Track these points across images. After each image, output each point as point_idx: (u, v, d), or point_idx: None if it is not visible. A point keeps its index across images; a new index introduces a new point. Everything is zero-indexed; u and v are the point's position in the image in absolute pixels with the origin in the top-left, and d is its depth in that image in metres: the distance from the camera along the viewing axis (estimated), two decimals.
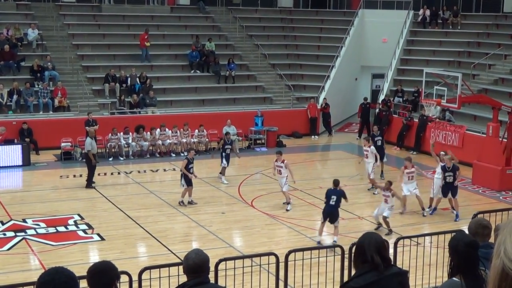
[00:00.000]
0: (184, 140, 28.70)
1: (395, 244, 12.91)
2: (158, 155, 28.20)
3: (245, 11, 39.92)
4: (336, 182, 17.86)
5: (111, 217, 19.78)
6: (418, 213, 20.41)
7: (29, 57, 31.95)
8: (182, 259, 5.68)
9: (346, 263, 12.26)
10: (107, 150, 27.67)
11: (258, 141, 30.70)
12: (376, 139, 24.70)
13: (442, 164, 20.24)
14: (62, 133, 27.43)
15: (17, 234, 18.04)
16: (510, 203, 21.62)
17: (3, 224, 18.84)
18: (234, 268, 11.63)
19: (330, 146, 32.47)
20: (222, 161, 24.11)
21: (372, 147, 23.02)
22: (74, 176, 24.39)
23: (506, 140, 23.56)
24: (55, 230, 18.50)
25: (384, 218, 18.44)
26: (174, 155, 28.36)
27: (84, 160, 23.95)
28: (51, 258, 16.08)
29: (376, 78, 38.33)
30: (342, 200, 17.65)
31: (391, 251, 12.42)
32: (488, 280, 2.13)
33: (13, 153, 26.03)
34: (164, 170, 26.11)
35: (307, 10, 41.31)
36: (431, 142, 23.46)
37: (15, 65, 31.15)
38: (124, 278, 9.80)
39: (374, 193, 22.62)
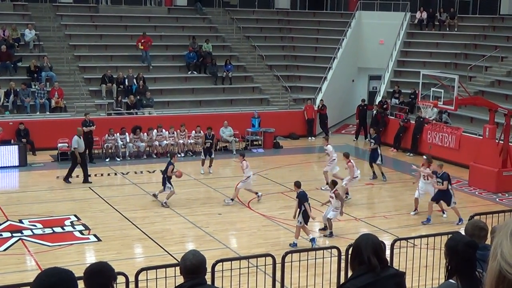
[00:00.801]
0: (181, 141, 28.69)
1: (392, 245, 12.92)
2: (155, 156, 28.19)
3: (242, 12, 39.94)
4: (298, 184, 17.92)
5: (107, 218, 19.76)
6: (416, 214, 20.41)
7: (26, 57, 31.93)
8: (179, 260, 5.67)
9: (342, 265, 12.27)
10: (104, 151, 27.65)
11: (255, 143, 30.71)
12: (370, 140, 25.73)
13: (433, 170, 20.17)
14: (58, 133, 27.40)
15: (14, 234, 18.01)
16: (507, 205, 21.64)
17: None
18: (231, 269, 11.62)
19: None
20: (201, 154, 26.12)
21: (329, 146, 23.66)
22: (71, 176, 24.33)
23: (502, 142, 23.59)
24: (52, 231, 18.48)
25: (328, 219, 18.38)
26: None
27: (70, 157, 24.33)
28: (47, 259, 16.06)
29: (373, 80, 38.38)
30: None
31: (387, 252, 12.42)
32: (485, 282, 2.13)
33: (10, 153, 26.00)
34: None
35: (304, 12, 41.34)
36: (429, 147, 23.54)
37: (12, 65, 31.12)
38: (120, 279, 9.79)
39: (321, 188, 22.90)
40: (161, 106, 31.77)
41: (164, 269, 10.94)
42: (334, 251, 12.90)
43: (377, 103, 32.81)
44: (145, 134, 28.15)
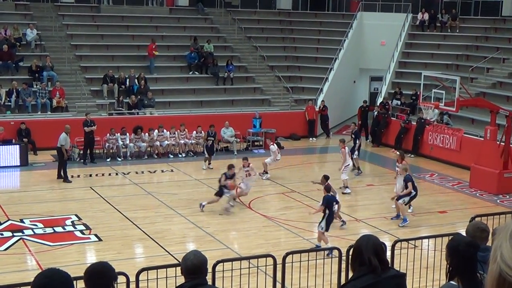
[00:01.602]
0: (182, 141, 28.70)
1: (393, 246, 12.92)
2: (156, 156, 28.20)
3: (244, 13, 39.94)
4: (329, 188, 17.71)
5: (108, 218, 19.77)
6: (415, 215, 20.41)
7: (27, 57, 31.94)
8: (180, 260, 5.68)
9: (343, 266, 12.27)
10: (105, 151, 27.66)
11: (256, 143, 30.71)
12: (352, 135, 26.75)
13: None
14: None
15: (15, 234, 18.02)
16: (508, 206, 21.64)
17: (0, 224, 18.82)
18: (232, 270, 11.62)
19: (328, 148, 32.42)
20: (204, 151, 27.02)
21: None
22: (72, 176, 24.36)
23: (503, 144, 23.58)
24: (53, 231, 18.49)
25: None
26: (171, 156, 28.36)
27: (57, 154, 24.54)
28: (48, 258, 16.07)
29: (374, 81, 38.37)
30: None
31: (388, 253, 12.43)
32: (486, 285, 2.13)
33: (11, 153, 26.02)
34: (162, 171, 26.11)
35: (306, 13, 41.34)
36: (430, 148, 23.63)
37: (14, 65, 31.14)
38: (121, 279, 9.79)
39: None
40: (162, 106, 31.78)
41: (165, 269, 10.93)
42: (335, 252, 12.90)
43: (378, 104, 32.81)
44: (146, 134, 28.16)
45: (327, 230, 17.03)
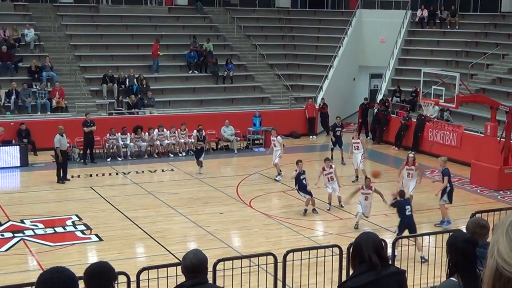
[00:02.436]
0: (182, 141, 28.69)
1: (393, 244, 12.93)
2: (156, 156, 28.20)
3: (243, 12, 39.92)
4: (402, 193, 17.43)
5: (109, 218, 19.77)
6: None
7: (27, 57, 31.94)
8: (180, 259, 5.67)
9: (344, 263, 12.26)
10: (105, 151, 27.67)
11: (256, 141, 30.70)
12: (336, 129, 27.74)
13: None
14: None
15: (15, 235, 18.03)
16: (508, 202, 21.63)
17: (1, 225, 18.83)
18: (232, 268, 11.62)
19: (328, 146, 32.39)
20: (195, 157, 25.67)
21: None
22: (72, 176, 24.37)
23: (504, 140, 23.57)
24: (53, 231, 18.50)
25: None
26: (172, 155, 28.36)
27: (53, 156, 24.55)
28: (49, 259, 16.06)
29: (374, 78, 38.34)
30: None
31: (389, 250, 12.43)
32: (483, 280, 2.14)
33: (11, 154, 26.01)
34: (162, 170, 26.11)
35: (305, 10, 41.32)
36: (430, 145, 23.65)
37: (13, 66, 31.13)
38: (122, 278, 9.79)
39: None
40: (162, 106, 31.77)
41: (166, 268, 10.94)
42: (336, 250, 12.90)
43: (378, 101, 32.80)
44: (146, 133, 28.16)
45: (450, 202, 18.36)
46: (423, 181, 21.49)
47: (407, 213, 16.57)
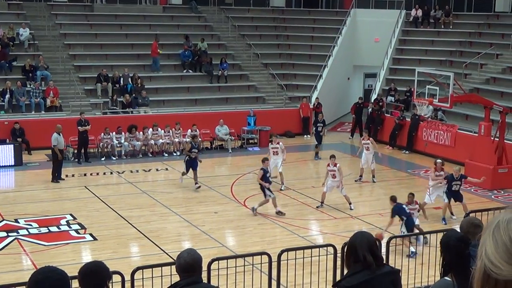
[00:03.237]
0: (177, 140, 28.68)
1: (388, 243, 12.95)
2: (150, 155, 28.18)
3: (237, 11, 39.92)
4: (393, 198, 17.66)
5: (103, 217, 19.75)
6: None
7: (21, 56, 31.88)
8: (175, 259, 5.68)
9: (338, 262, 12.28)
10: (100, 150, 27.63)
11: (250, 141, 30.71)
12: (318, 125, 28.41)
13: (449, 174, 20.05)
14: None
15: (9, 234, 18.00)
16: (502, 202, 21.68)
17: None
18: (227, 268, 11.63)
19: (322, 145, 32.46)
20: (184, 166, 23.36)
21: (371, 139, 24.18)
22: (67, 176, 24.33)
23: (498, 139, 23.63)
24: (48, 230, 18.47)
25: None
26: (166, 154, 28.35)
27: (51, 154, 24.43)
28: (43, 258, 16.05)
29: (368, 78, 38.40)
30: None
31: (383, 250, 12.45)
32: (473, 282, 2.15)
33: (5, 153, 25.97)
34: (157, 169, 26.10)
35: (299, 10, 41.35)
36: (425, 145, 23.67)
37: (7, 64, 31.07)
38: (116, 278, 9.79)
39: (374, 181, 24.01)
40: (157, 105, 31.75)
41: (160, 268, 10.95)
42: (330, 249, 12.92)
43: (372, 101, 32.84)
44: (141, 133, 28.14)
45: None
46: (416, 181, 21.55)
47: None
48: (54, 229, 18.62)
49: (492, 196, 22.70)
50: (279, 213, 20.05)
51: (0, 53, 30.97)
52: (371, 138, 24.39)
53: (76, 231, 18.47)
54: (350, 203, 20.68)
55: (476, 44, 35.10)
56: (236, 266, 11.72)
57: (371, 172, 23.99)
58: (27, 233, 18.23)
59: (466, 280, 4.72)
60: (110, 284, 4.95)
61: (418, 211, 18.12)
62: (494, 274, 2.04)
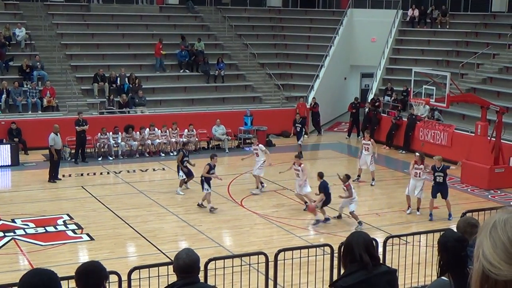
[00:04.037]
0: (174, 140, 28.67)
1: (384, 242, 12.96)
2: (147, 155, 28.17)
3: (234, 11, 39.93)
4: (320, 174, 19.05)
5: (100, 217, 19.74)
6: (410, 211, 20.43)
7: (17, 56, 31.86)
8: (172, 258, 5.68)
9: (335, 262, 12.30)
10: (96, 150, 27.62)
11: (247, 141, 30.68)
12: (296, 125, 28.26)
13: (432, 165, 20.21)
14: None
15: (6, 234, 17.97)
16: (499, 201, 21.72)
17: None
18: (224, 268, 11.63)
19: (319, 145, 32.51)
20: (178, 173, 22.82)
21: (372, 140, 24.03)
22: (64, 176, 24.32)
23: (494, 139, 23.65)
24: (44, 230, 18.45)
25: (351, 212, 18.94)
26: (163, 154, 28.34)
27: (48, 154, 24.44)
28: (40, 258, 16.04)
29: (365, 78, 38.43)
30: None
31: (380, 250, 12.46)
32: (471, 283, 2.15)
33: (2, 153, 25.95)
34: (154, 169, 26.09)
35: (296, 10, 41.35)
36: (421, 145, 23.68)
37: (4, 64, 31.05)
38: (113, 278, 9.79)
39: (371, 184, 23.76)
40: (154, 105, 31.75)
41: (157, 268, 10.95)
42: (327, 249, 12.93)
43: (369, 101, 32.85)
44: (138, 133, 28.13)
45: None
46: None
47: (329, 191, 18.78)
48: (51, 229, 18.60)
49: (489, 196, 22.72)
50: (212, 208, 20.34)
51: None
52: (372, 139, 24.20)
53: (73, 231, 18.45)
54: (305, 202, 20.67)
55: (472, 44, 35.15)
56: (233, 266, 11.71)
57: (371, 174, 23.85)
58: (24, 233, 18.21)
59: (463, 280, 4.73)
60: (107, 284, 4.94)
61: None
62: (493, 274, 2.04)
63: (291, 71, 37.09)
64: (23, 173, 25.28)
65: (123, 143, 27.69)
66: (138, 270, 10.96)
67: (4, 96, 28.98)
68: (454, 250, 4.87)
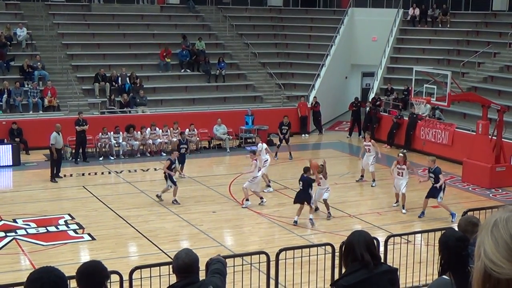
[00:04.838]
0: (175, 139, 28.65)
1: (386, 241, 12.96)
2: (148, 155, 28.17)
3: (235, 10, 39.93)
4: (305, 169, 19.01)
5: (101, 217, 19.74)
6: (409, 211, 20.43)
7: (18, 56, 31.86)
8: (173, 258, 5.67)
9: (336, 261, 12.29)
10: (98, 150, 27.63)
11: (248, 140, 30.70)
12: (282, 127, 28.15)
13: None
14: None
15: (8, 234, 17.98)
16: (500, 200, 21.71)
17: None
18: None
19: (320, 144, 32.50)
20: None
21: (372, 141, 23.84)
22: (65, 175, 24.33)
23: (495, 138, 23.65)
24: (46, 230, 18.45)
25: (324, 200, 19.32)
26: (164, 154, 28.29)
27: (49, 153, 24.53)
28: (41, 258, 16.04)
29: (366, 77, 38.41)
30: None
31: (381, 249, 12.46)
32: (473, 282, 2.14)
33: (3, 153, 25.96)
34: (155, 169, 26.06)
35: (297, 9, 41.35)
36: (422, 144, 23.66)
37: (5, 64, 31.05)
38: (114, 277, 9.80)
39: (372, 185, 23.46)
40: (154, 105, 31.75)
41: (158, 267, 10.95)
42: (328, 248, 12.93)
43: (370, 100, 32.85)
44: (139, 132, 28.14)
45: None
46: (414, 179, 21.54)
47: (300, 187, 18.81)
48: (52, 229, 18.61)
49: (490, 195, 22.71)
50: (175, 201, 20.84)
51: None
52: (372, 140, 24.06)
53: (74, 231, 18.46)
54: (261, 198, 20.96)
55: (473, 42, 35.14)
56: (234, 266, 11.70)
57: (371, 175, 23.65)
58: (25, 233, 18.22)
59: (464, 279, 4.73)
60: (108, 284, 4.94)
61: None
62: (495, 273, 2.03)
63: (292, 71, 37.08)
64: (24, 173, 25.29)
65: (124, 142, 27.69)
66: (139, 270, 10.97)
67: (5, 96, 29.00)
68: (455, 249, 4.86)
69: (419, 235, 16.44)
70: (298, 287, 13.35)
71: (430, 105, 27.60)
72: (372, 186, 23.53)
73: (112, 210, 20.30)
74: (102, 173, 25.39)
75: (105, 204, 20.94)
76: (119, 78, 31.74)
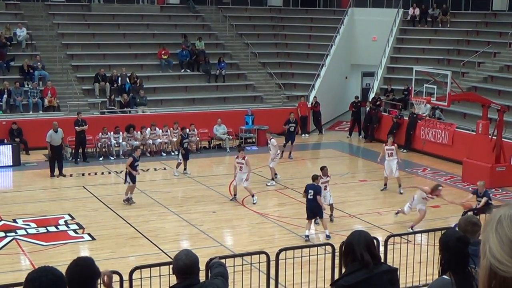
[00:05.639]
0: (175, 139, 28.65)
1: (386, 241, 12.96)
2: (148, 155, 28.16)
3: (235, 10, 39.93)
4: (313, 177, 18.29)
5: (101, 217, 19.75)
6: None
7: (18, 56, 31.86)
8: (173, 258, 5.67)
9: (336, 261, 12.30)
10: (98, 150, 27.63)
11: (248, 140, 30.71)
12: (290, 125, 28.04)
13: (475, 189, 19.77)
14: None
15: (8, 234, 17.99)
16: (500, 200, 21.69)
17: None
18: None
19: (320, 144, 32.50)
20: (178, 156, 25.12)
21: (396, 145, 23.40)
22: (65, 176, 24.33)
23: (495, 138, 23.65)
24: (46, 230, 18.46)
25: (330, 205, 19.28)
26: (164, 154, 28.34)
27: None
28: (41, 258, 16.04)
29: (366, 77, 38.42)
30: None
31: (381, 248, 12.46)
32: (479, 280, 2.13)
33: (3, 153, 25.96)
34: (155, 169, 26.07)
35: (297, 9, 41.35)
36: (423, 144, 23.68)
37: (5, 65, 31.04)
38: (115, 277, 9.78)
39: (400, 193, 22.38)
40: (154, 105, 31.75)
41: (158, 267, 10.95)
42: (328, 248, 12.93)
43: (370, 99, 32.85)
44: (139, 132, 28.14)
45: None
46: (414, 179, 21.54)
47: (309, 196, 17.66)
48: (52, 229, 18.62)
49: (490, 195, 22.65)
50: (129, 199, 20.87)
51: None
52: (395, 144, 23.30)
53: (74, 231, 18.46)
54: (252, 195, 21.04)
55: (473, 42, 35.14)
56: (234, 265, 11.71)
57: (397, 181, 22.75)
58: (25, 233, 18.23)
59: (465, 279, 4.74)
60: (98, 282, 4.90)
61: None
62: (501, 272, 2.02)
63: (292, 70, 37.08)
64: (24, 173, 25.30)
65: (124, 142, 27.68)
66: (139, 270, 10.96)
67: (5, 96, 28.99)
68: (456, 249, 4.86)
69: (419, 235, 16.44)
70: (298, 287, 13.36)
71: (430, 105, 27.60)
72: (400, 193, 22.37)
73: (112, 210, 20.31)
74: (102, 173, 25.40)
75: (105, 204, 20.95)
76: (119, 78, 31.73)
